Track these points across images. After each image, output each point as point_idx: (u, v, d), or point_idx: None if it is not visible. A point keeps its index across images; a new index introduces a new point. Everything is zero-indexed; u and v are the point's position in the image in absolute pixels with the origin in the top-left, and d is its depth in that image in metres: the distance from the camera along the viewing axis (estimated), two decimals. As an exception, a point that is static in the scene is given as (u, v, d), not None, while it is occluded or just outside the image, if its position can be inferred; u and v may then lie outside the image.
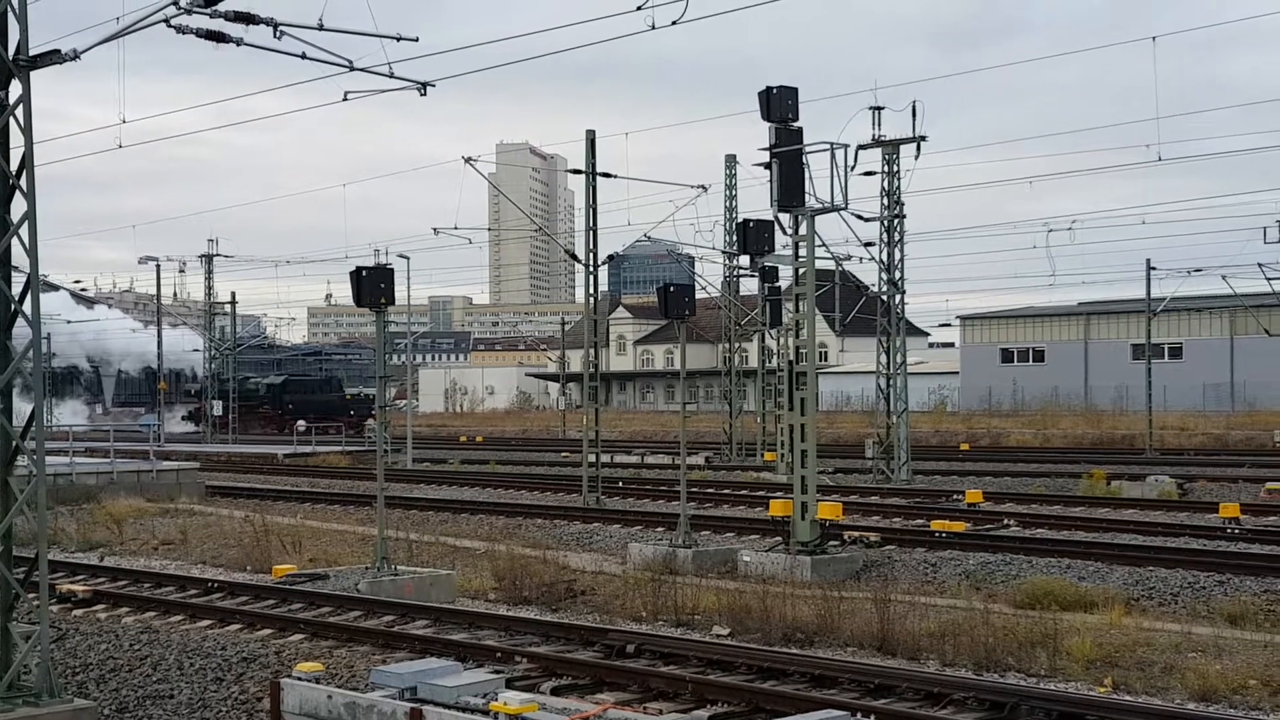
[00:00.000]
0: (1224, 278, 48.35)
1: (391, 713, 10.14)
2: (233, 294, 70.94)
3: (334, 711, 10.56)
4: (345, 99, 14.57)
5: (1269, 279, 48.07)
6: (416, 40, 13.57)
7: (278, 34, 12.40)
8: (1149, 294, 47.68)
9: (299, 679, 11.16)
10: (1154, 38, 28.68)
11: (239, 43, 12.42)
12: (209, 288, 64.91)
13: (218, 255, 63.16)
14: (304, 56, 12.96)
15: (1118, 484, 30.79)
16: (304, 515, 28.63)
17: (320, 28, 12.67)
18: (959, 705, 10.74)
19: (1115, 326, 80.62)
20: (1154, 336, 49.41)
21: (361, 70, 13.48)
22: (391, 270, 18.49)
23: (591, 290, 30.06)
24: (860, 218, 32.15)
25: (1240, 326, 69.56)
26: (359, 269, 17.70)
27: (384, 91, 14.21)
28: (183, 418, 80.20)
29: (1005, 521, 23.71)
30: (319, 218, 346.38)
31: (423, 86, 14.19)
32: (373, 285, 17.65)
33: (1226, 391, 71.76)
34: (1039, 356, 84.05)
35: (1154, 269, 47.42)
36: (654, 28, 13.39)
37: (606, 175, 30.59)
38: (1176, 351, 76.79)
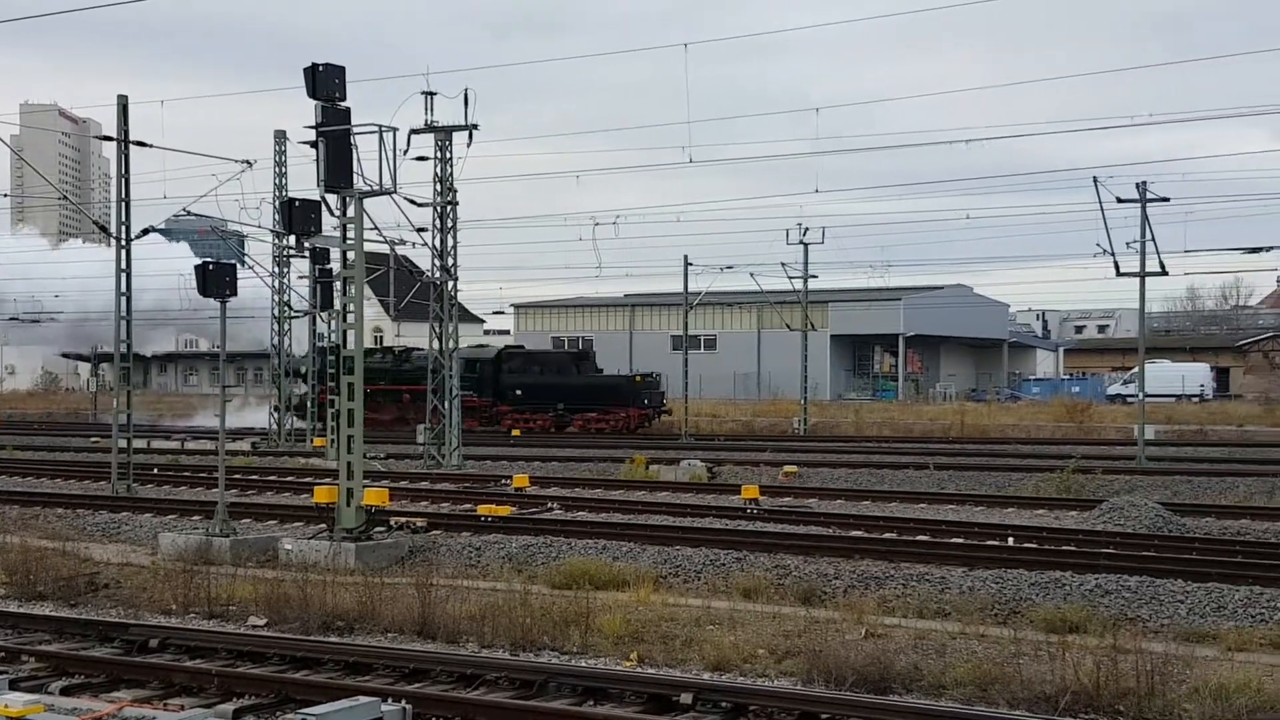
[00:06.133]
0: (752, 275, 52.25)
1: None
2: None
3: None
4: None
5: (790, 277, 52.43)
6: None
7: None
8: (686, 288, 50.58)
9: None
10: (685, 45, 30.15)
11: None
12: None
13: None
14: None
15: (656, 468, 32.41)
16: None
17: None
18: (491, 685, 10.93)
19: (657, 318, 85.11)
20: (691, 328, 52.45)
21: None
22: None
23: (124, 265, 28.19)
24: (413, 202, 32.10)
25: (766, 321, 75.14)
26: None
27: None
28: (276, 408, 49.00)
29: (549, 505, 24.39)
30: None
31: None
32: None
33: (754, 381, 77.48)
34: (588, 345, 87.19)
35: (691, 265, 50.37)
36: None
37: (141, 144, 28.71)
38: (711, 343, 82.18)
